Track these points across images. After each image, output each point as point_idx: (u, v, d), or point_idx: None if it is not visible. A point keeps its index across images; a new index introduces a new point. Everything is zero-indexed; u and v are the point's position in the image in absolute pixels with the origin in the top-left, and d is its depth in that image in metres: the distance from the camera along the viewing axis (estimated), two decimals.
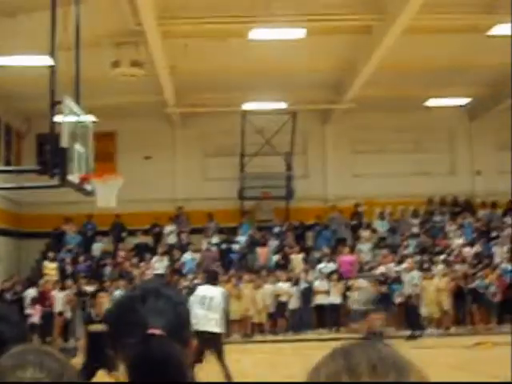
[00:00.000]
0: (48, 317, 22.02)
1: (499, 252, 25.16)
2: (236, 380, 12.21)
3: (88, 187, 12.54)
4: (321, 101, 25.99)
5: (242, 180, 27.14)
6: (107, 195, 12.39)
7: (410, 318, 22.24)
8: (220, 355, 12.02)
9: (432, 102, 25.98)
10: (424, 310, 22.64)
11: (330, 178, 28.51)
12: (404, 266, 23.49)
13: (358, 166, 28.36)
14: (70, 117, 11.89)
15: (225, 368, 12.01)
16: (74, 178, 11.83)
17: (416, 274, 22.91)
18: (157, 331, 1.92)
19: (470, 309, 23.23)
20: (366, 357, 1.23)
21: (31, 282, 23.62)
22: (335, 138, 28.46)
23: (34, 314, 21.41)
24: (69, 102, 11.69)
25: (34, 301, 21.95)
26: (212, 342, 11.83)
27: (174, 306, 2.05)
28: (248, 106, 25.13)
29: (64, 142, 11.26)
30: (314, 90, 24.78)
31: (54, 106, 11.13)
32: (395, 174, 27.78)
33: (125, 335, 1.94)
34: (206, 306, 12.02)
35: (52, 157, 11.19)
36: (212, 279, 12.99)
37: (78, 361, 9.88)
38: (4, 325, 2.31)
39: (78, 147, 12.30)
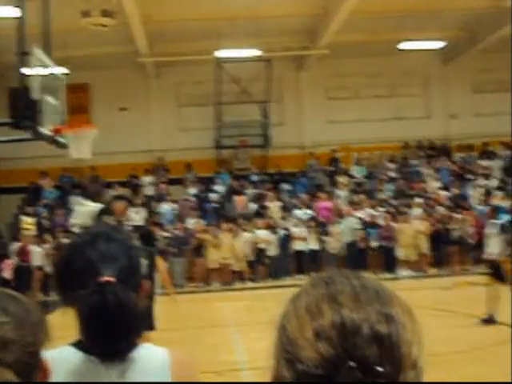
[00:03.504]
0: (26, 271, 22.01)
1: (475, 194, 25.40)
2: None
3: (61, 140, 12.42)
4: (295, 47, 25.76)
5: (219, 129, 27.03)
6: (81, 146, 12.29)
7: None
8: None
9: (406, 46, 25.80)
10: (400, 253, 22.94)
11: (306, 124, 28.45)
12: (344, 212, 23.90)
13: (333, 112, 28.29)
14: (40, 68, 11.72)
15: None
16: (46, 130, 11.71)
17: (352, 218, 23.29)
18: (110, 278, 1.87)
19: (446, 250, 23.51)
20: (348, 286, 1.19)
21: (12, 236, 23.61)
22: (310, 84, 28.32)
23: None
24: (38, 53, 11.51)
25: (16, 255, 22.00)
26: None
27: (125, 250, 1.99)
28: (222, 53, 24.83)
29: (35, 94, 11.11)
30: (287, 36, 24.56)
31: (22, 56, 10.95)
32: (371, 119, 27.80)
33: (76, 284, 1.88)
34: None
35: (23, 110, 11.05)
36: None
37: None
38: None
39: (49, 99, 12.15)
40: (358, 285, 1.20)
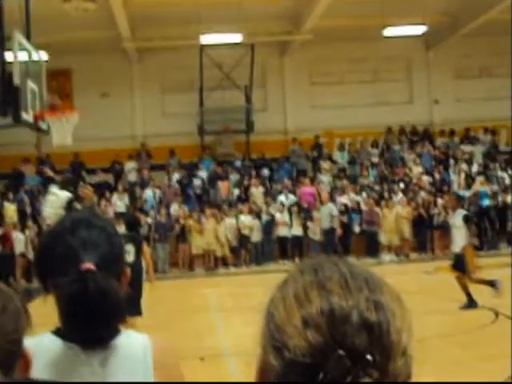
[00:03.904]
0: (9, 258, 21.88)
1: (457, 179, 25.50)
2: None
3: (43, 125, 12.34)
4: (278, 32, 25.66)
5: (202, 115, 26.91)
6: (63, 133, 12.20)
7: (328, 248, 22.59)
8: None
9: (389, 31, 25.73)
10: (383, 238, 23.03)
11: (289, 110, 28.40)
12: (323, 199, 23.91)
13: (317, 97, 28.26)
14: (21, 54, 11.62)
15: None
16: (28, 116, 11.63)
17: (331, 205, 23.32)
18: (91, 266, 1.85)
19: (429, 235, 23.60)
20: (337, 272, 1.16)
21: None
22: (293, 69, 28.26)
23: None
24: (19, 38, 11.41)
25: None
26: None
27: (106, 237, 1.96)
28: (205, 39, 24.66)
29: (16, 80, 11.02)
30: (270, 21, 24.46)
31: (3, 41, 10.85)
32: (354, 104, 27.78)
33: (57, 272, 1.85)
34: None
35: (4, 95, 10.96)
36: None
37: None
38: None
39: (31, 85, 12.06)
40: (347, 272, 1.16)
